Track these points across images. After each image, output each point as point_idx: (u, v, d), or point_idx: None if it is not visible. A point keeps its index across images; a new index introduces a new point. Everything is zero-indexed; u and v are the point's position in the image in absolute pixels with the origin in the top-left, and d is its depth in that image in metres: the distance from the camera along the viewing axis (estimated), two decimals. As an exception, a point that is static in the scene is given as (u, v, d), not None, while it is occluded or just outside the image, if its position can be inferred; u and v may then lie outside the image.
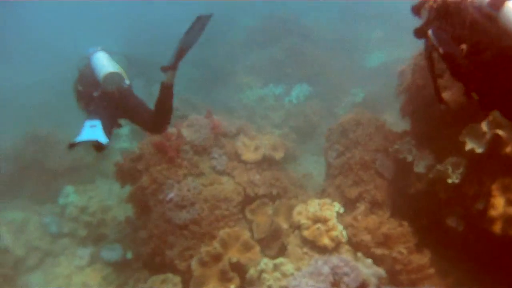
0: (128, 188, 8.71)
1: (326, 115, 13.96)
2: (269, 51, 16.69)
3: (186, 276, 6.92)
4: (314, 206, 6.67)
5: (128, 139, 13.39)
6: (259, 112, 13.46)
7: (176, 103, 12.58)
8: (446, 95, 5.81)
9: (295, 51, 15.97)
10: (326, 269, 5.27)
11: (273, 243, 7.18)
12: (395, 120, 12.78)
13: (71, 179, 12.30)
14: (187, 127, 8.70)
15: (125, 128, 13.63)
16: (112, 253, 9.29)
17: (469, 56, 3.45)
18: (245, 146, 8.62)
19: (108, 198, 11.34)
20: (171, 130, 8.47)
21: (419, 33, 3.91)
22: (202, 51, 19.79)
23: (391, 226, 6.35)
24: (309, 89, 14.51)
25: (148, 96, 15.04)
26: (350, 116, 8.49)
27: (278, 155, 8.69)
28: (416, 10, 4.08)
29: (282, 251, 6.85)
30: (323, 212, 6.48)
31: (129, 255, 8.88)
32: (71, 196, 11.12)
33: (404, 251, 6.06)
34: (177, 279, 6.96)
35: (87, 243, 10.41)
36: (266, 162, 8.57)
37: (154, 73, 16.61)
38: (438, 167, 6.10)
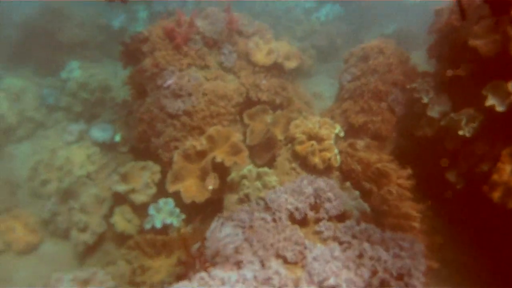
0: (130, 70, 8.42)
1: (351, 40, 13.34)
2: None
3: (167, 167, 6.75)
4: (313, 122, 6.33)
5: (144, 23, 12.91)
6: (283, 23, 12.84)
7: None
8: (479, 43, 5.45)
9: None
10: (309, 190, 5.02)
11: (264, 153, 6.92)
12: (421, 62, 12.27)
13: (79, 56, 12.02)
14: (203, 18, 8.21)
15: (143, 12, 13.11)
16: (101, 133, 9.14)
17: None
18: (258, 48, 8.17)
19: (112, 79, 11.09)
20: (185, 18, 8.00)
21: None
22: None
23: (388, 163, 6.04)
24: (340, 10, 13.76)
25: None
26: (374, 42, 7.97)
27: (291, 64, 8.24)
28: None
29: (271, 163, 6.60)
30: (321, 130, 6.15)
31: (118, 138, 8.71)
32: (75, 72, 10.91)
33: (394, 192, 5.79)
34: (156, 168, 6.80)
35: (80, 120, 10.28)
36: (277, 69, 8.13)
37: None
38: (452, 115, 5.80)
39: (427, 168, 6.28)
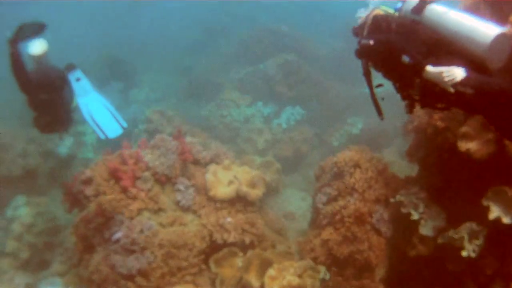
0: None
1: (317, 145, 12.81)
2: (261, 66, 15.45)
3: None
4: (292, 271, 5.39)
5: (93, 149, 12.11)
6: (242, 134, 12.19)
7: (151, 116, 11.55)
8: (471, 145, 4.86)
9: (289, 69, 14.68)
10: None
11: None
12: (395, 158, 11.71)
13: (24, 188, 10.97)
14: (152, 149, 7.47)
15: (91, 137, 12.39)
16: (50, 289, 8.02)
17: (396, 54, 3.80)
18: (217, 178, 7.35)
19: (61, 216, 10.07)
20: (131, 151, 7.22)
21: (357, 52, 4.33)
22: (191, 58, 18.71)
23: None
24: (301, 112, 13.31)
25: (124, 102, 13.87)
26: (347, 154, 7.20)
27: (256, 193, 7.37)
28: (356, 31, 4.60)
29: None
30: (303, 280, 5.21)
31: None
32: (20, 209, 9.86)
33: None
34: None
35: (27, 268, 9.17)
36: (241, 201, 7.26)
37: (132, 78, 15.38)
38: (451, 233, 5.10)
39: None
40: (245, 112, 13.05)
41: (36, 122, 6.90)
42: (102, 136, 6.78)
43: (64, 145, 11.53)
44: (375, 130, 11.81)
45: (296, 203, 10.68)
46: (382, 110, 4.51)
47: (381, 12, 4.42)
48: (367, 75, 4.35)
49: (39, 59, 6.43)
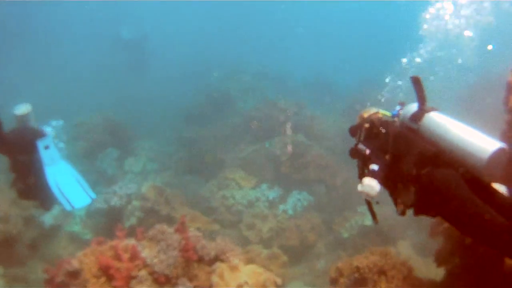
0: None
1: (325, 233, 11.93)
2: (267, 144, 14.82)
3: None
4: None
5: (81, 221, 11.15)
6: (246, 220, 11.33)
7: (147, 192, 10.73)
8: None
9: (296, 149, 14.10)
10: None
11: None
12: (410, 252, 10.86)
13: (1, 256, 9.89)
14: (150, 241, 6.60)
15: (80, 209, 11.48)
16: None
17: (392, 163, 3.92)
18: (225, 282, 6.45)
19: (39, 291, 9.07)
20: (126, 243, 6.34)
21: (352, 152, 4.43)
22: (193, 127, 18.06)
23: None
24: (308, 198, 12.55)
25: (119, 170, 13.05)
26: (371, 259, 6.34)
27: (268, 302, 6.48)
28: (353, 131, 4.65)
29: None
30: None
31: None
32: (-5, 284, 8.95)
33: None
34: None
35: None
36: (250, 311, 6.34)
37: (130, 144, 14.59)
38: None
39: None
40: (248, 195, 12.28)
41: (13, 185, 7.01)
42: (68, 207, 6.77)
43: (50, 214, 10.60)
44: (387, 222, 10.99)
45: (303, 302, 9.79)
46: (376, 216, 4.48)
47: (379, 116, 4.51)
48: (362, 177, 4.15)
49: (21, 119, 6.84)
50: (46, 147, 6.81)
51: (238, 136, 16.45)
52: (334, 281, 6.77)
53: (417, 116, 3.98)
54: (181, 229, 6.78)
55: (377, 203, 4.29)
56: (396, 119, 4.34)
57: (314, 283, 10.41)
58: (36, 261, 10.43)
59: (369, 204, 4.37)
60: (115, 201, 10.39)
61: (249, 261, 8.65)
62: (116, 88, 24.47)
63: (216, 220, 11.67)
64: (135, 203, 10.49)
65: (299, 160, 13.84)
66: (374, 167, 3.91)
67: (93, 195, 7.00)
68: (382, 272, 6.11)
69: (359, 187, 3.90)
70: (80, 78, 26.09)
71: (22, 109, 6.83)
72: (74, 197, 6.83)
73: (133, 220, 10.24)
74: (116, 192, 10.58)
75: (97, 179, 13.17)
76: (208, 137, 16.57)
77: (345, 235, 11.11)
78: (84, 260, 6.18)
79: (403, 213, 4.00)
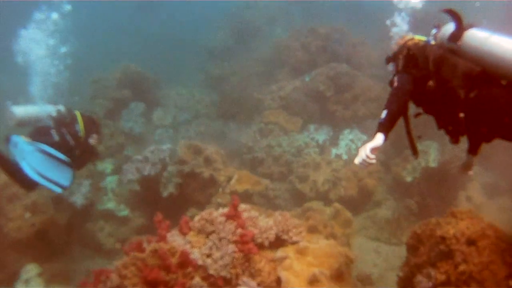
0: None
1: (385, 176, 10.78)
2: (306, 79, 13.40)
3: None
4: None
5: (114, 196, 10.22)
6: (297, 172, 10.18)
7: (183, 154, 9.64)
8: None
9: (341, 81, 12.68)
10: None
11: None
12: (479, 196, 9.72)
13: (34, 252, 9.12)
14: (198, 235, 5.59)
15: (111, 179, 10.55)
16: None
17: (437, 88, 3.86)
18: (295, 273, 5.43)
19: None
20: (171, 245, 5.31)
21: (392, 83, 4.14)
22: (220, 65, 16.68)
23: None
24: (362, 137, 11.32)
25: (147, 125, 12.00)
26: (459, 226, 5.11)
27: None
28: (390, 60, 4.48)
29: None
30: None
31: None
32: (33, 282, 8.26)
33: None
34: None
35: None
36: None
37: (155, 94, 13.34)
38: None
39: None
40: (296, 141, 11.06)
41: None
42: (59, 190, 6.97)
43: (79, 192, 9.67)
44: (454, 160, 9.74)
45: (369, 259, 8.87)
46: (418, 149, 4.45)
47: (416, 41, 4.27)
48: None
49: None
50: (15, 145, 6.86)
51: (273, 71, 15.05)
52: (412, 249, 5.68)
53: (456, 35, 3.75)
54: (234, 214, 5.71)
55: (419, 137, 4.34)
56: (433, 42, 4.08)
57: (378, 237, 9.46)
58: (73, 248, 9.74)
59: (411, 140, 4.37)
60: (148, 170, 9.32)
61: (313, 229, 7.63)
62: (129, 33, 22.91)
63: (265, 174, 10.62)
64: (171, 168, 9.43)
65: (346, 94, 12.49)
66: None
67: (67, 160, 7.04)
68: (471, 242, 4.99)
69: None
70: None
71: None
72: (59, 175, 6.92)
73: (171, 188, 9.23)
74: (148, 158, 9.49)
75: (124, 141, 12.07)
76: (240, 73, 15.24)
77: (408, 178, 9.91)
78: (124, 272, 5.18)
79: (455, 141, 4.03)
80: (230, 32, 18.69)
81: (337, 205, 8.84)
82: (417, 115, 4.32)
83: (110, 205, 9.85)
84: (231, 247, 5.35)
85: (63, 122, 7.45)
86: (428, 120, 4.68)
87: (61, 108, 7.58)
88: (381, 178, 10.64)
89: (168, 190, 9.29)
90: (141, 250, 5.40)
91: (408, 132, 4.36)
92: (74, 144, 7.38)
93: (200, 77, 17.10)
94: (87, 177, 10.01)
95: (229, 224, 5.56)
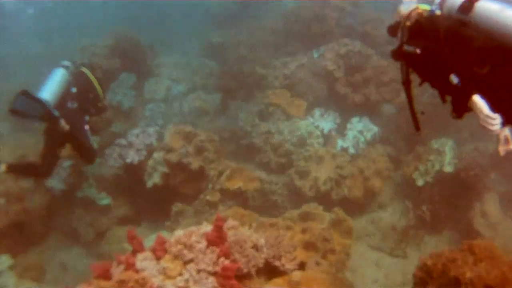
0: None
1: (393, 175, 10.00)
2: (315, 55, 12.43)
3: None
4: None
5: (96, 183, 9.52)
6: (297, 164, 9.38)
7: (171, 141, 8.87)
8: None
9: (354, 62, 11.74)
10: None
11: None
12: (497, 212, 8.95)
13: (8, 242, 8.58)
14: (174, 261, 4.90)
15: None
16: None
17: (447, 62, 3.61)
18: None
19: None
20: (144, 268, 4.62)
21: (396, 54, 4.08)
22: (222, 32, 15.72)
23: None
24: (372, 128, 10.51)
25: (138, 99, 11.23)
26: (474, 268, 4.41)
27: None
28: (392, 30, 4.30)
29: None
30: None
31: None
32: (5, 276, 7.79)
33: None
34: None
35: None
36: None
37: (148, 63, 12.46)
38: None
39: None
40: (299, 129, 10.17)
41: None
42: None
43: (58, 176, 8.95)
44: (472, 166, 8.94)
45: (369, 274, 8.29)
46: (420, 125, 4.30)
47: (420, 11, 4.09)
48: (407, 84, 4.14)
49: None
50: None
51: (281, 43, 14.07)
52: (420, 283, 5.05)
53: (468, 7, 3.55)
54: (218, 236, 5.01)
55: (422, 113, 4.20)
56: (438, 12, 3.90)
57: (381, 246, 8.78)
58: (50, 237, 9.22)
59: (414, 115, 4.20)
60: (132, 157, 8.61)
61: (309, 246, 6.89)
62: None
63: (261, 164, 9.90)
64: (157, 155, 8.69)
65: (357, 75, 11.57)
66: (454, 79, 3.49)
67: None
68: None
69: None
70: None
71: None
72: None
73: (156, 178, 8.54)
74: (132, 143, 8.73)
75: (113, 116, 11.18)
76: (245, 43, 14.25)
77: (420, 182, 9.12)
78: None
79: (459, 116, 3.79)
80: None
81: (338, 211, 8.08)
82: (421, 83, 4.11)
83: (91, 192, 9.15)
84: (211, 281, 4.66)
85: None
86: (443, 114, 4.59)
87: (67, 63, 7.62)
88: (390, 177, 9.88)
89: (153, 179, 8.64)
90: (107, 277, 4.75)
91: (410, 105, 4.19)
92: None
93: (199, 45, 16.13)
94: (68, 158, 9.24)
95: (210, 253, 4.87)
